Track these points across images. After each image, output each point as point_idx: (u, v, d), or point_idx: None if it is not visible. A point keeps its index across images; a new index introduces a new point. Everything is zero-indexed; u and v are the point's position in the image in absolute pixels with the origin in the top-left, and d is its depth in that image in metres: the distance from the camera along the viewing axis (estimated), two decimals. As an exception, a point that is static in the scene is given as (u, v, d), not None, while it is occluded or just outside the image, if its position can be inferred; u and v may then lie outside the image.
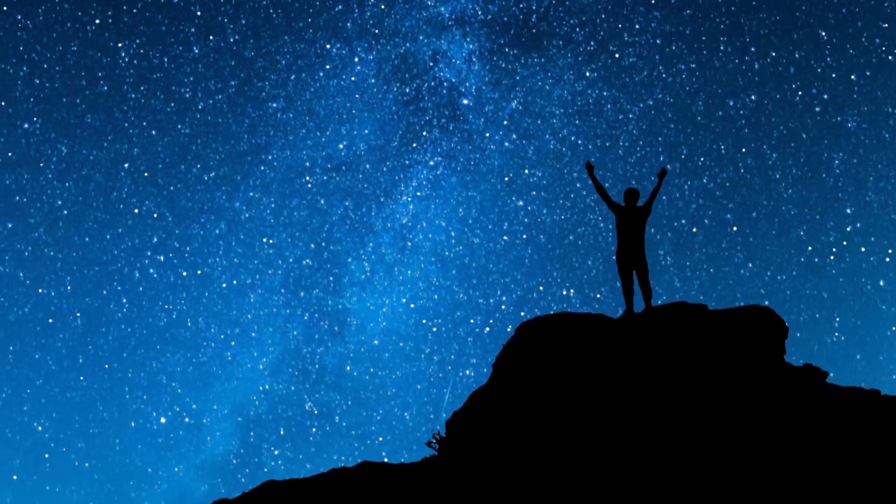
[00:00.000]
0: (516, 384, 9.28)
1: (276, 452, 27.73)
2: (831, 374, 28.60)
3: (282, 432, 27.87)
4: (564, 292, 28.25)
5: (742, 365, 8.97)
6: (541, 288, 27.82)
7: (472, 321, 28.30)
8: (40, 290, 27.48)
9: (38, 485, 27.41)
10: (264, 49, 27.35)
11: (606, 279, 27.85)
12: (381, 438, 28.13)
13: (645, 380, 8.82)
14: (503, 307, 28.25)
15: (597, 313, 10.22)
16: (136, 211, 27.46)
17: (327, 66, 27.39)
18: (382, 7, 27.22)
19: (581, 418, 8.54)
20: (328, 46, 27.47)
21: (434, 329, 28.03)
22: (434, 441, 9.81)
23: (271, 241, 27.78)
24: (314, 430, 27.64)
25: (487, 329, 27.83)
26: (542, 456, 8.32)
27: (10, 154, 27.07)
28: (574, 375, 9.03)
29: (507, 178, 28.14)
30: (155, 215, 27.58)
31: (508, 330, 28.65)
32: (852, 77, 26.83)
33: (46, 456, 27.64)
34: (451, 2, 27.32)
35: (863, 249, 27.09)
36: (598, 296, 28.51)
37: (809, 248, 27.39)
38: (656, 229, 27.83)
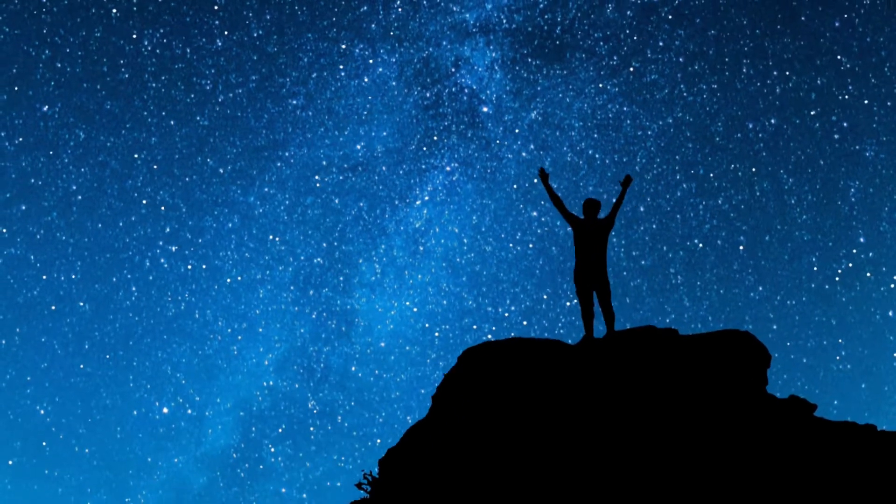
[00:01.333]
0: (458, 418, 8.39)
1: (276, 449, 27.74)
2: (835, 402, 28.53)
3: (281, 430, 27.86)
4: (570, 304, 28.24)
5: (716, 397, 8.10)
6: (545, 296, 27.81)
7: (474, 327, 28.30)
8: (49, 275, 27.50)
9: (37, 468, 27.44)
10: (287, 45, 27.37)
11: (616, 294, 27.78)
12: (379, 441, 28.14)
13: (603, 414, 7.92)
14: (508, 315, 28.25)
15: (552, 339, 9.36)
16: (150, 201, 27.48)
17: (349, 66, 27.41)
18: (408, 10, 27.24)
19: (531, 457, 7.65)
20: (346, 46, 27.48)
21: (441, 335, 28.04)
22: (365, 482, 8.79)
23: (277, 240, 27.78)
24: (316, 428, 27.65)
25: (492, 337, 27.82)
26: (483, 499, 7.47)
27: (28, 137, 27.10)
28: (523, 408, 8.10)
29: (514, 186, 28.13)
30: (163, 208, 27.59)
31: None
32: (873, 106, 26.84)
33: (45, 443, 27.66)
34: (476, 9, 27.34)
35: (873, 279, 27.10)
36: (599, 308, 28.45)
37: (820, 274, 27.40)
38: (668, 247, 27.82)
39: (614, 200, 9.63)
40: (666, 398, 7.99)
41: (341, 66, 27.38)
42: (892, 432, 8.07)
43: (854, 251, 27.00)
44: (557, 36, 27.45)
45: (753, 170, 27.82)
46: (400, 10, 27.20)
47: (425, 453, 8.29)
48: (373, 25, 27.21)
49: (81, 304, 27.52)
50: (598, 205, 9.64)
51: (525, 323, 28.32)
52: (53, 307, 27.55)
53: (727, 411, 7.94)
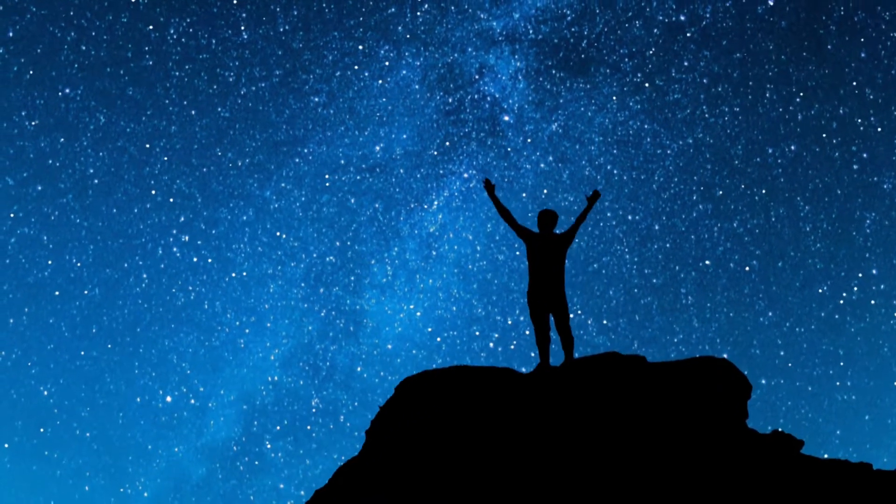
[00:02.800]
0: (394, 456, 7.56)
1: (276, 445, 27.73)
2: (837, 432, 28.47)
3: (279, 427, 27.85)
4: (578, 316, 28.24)
5: (689, 432, 7.28)
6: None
7: (476, 333, 28.29)
8: (60, 257, 27.48)
9: (37, 448, 27.43)
10: (313, 42, 27.35)
11: (626, 311, 27.84)
12: (378, 441, 28.09)
13: (557, 452, 7.09)
14: (511, 323, 28.25)
15: (502, 367, 8.57)
16: (165, 189, 27.47)
17: (373, 67, 27.39)
18: (435, 14, 27.23)
19: (473, 500, 6.81)
20: (371, 47, 27.47)
21: (448, 341, 28.02)
22: None
23: (291, 236, 27.74)
24: (318, 426, 27.64)
25: (500, 348, 27.82)
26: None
27: (48, 118, 27.09)
28: (467, 444, 7.26)
29: (524, 194, 28.14)
30: (171, 200, 27.57)
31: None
32: (893, 139, 26.84)
33: (46, 424, 27.65)
34: (503, 17, 27.32)
35: (884, 311, 27.10)
36: (607, 323, 28.49)
37: (831, 303, 27.39)
38: (680, 267, 27.79)
39: (578, 215, 8.94)
40: (630, 433, 7.25)
41: (366, 67, 27.37)
42: (890, 472, 7.40)
43: (866, 283, 27.03)
44: (583, 49, 27.45)
45: (764, 191, 27.83)
46: (427, 14, 27.20)
47: (357, 495, 7.56)
48: (399, 27, 27.21)
49: (91, 288, 27.52)
50: (556, 217, 8.95)
51: (527, 332, 28.27)
52: (63, 289, 27.55)
53: (701, 449, 7.20)
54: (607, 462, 7.00)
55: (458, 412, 7.68)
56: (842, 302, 27.14)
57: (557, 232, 8.97)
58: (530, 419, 7.42)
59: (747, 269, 27.82)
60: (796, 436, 7.80)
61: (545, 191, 27.98)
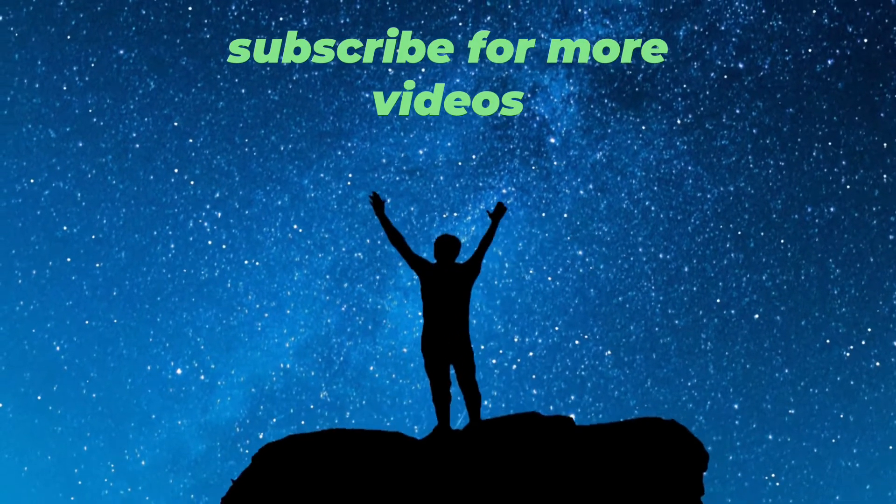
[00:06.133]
0: None
1: (278, 432, 27.72)
2: (836, 497, 28.48)
3: (283, 416, 27.84)
4: (594, 346, 28.24)
5: None
6: (577, 342, 27.81)
7: (483, 348, 28.29)
8: (91, 216, 27.49)
9: (42, 403, 27.43)
10: (371, 38, 27.30)
11: (644, 348, 27.83)
12: (376, 440, 28.05)
13: None
14: (533, 347, 28.24)
15: (391, 431, 7.24)
16: (205, 163, 27.46)
17: (428, 71, 27.35)
18: (496, 28, 27.22)
19: None
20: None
21: (462, 351, 27.99)
22: None
23: (301, 231, 27.69)
24: (323, 419, 27.63)
25: (515, 366, 27.82)
26: None
27: (98, 76, 27.08)
28: None
29: (565, 217, 28.12)
30: (209, 174, 27.55)
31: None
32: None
33: (54, 379, 27.64)
34: (563, 39, 27.28)
35: (900, 384, 27.10)
36: (622, 357, 28.48)
37: (848, 369, 27.40)
38: (704, 312, 27.79)
39: (481, 238, 7.56)
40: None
41: (418, 70, 27.33)
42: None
43: (887, 354, 27.03)
44: (638, 83, 27.45)
45: (796, 248, 27.83)
46: (489, 26, 27.19)
47: None
48: (459, 35, 27.18)
49: (117, 251, 27.51)
50: (457, 245, 7.62)
51: (531, 354, 28.25)
52: (89, 248, 27.54)
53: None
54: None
55: (330, 487, 6.46)
56: (860, 370, 27.17)
57: (460, 262, 7.47)
58: (420, 496, 6.24)
59: (757, 316, 27.82)
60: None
61: (565, 214, 27.98)
